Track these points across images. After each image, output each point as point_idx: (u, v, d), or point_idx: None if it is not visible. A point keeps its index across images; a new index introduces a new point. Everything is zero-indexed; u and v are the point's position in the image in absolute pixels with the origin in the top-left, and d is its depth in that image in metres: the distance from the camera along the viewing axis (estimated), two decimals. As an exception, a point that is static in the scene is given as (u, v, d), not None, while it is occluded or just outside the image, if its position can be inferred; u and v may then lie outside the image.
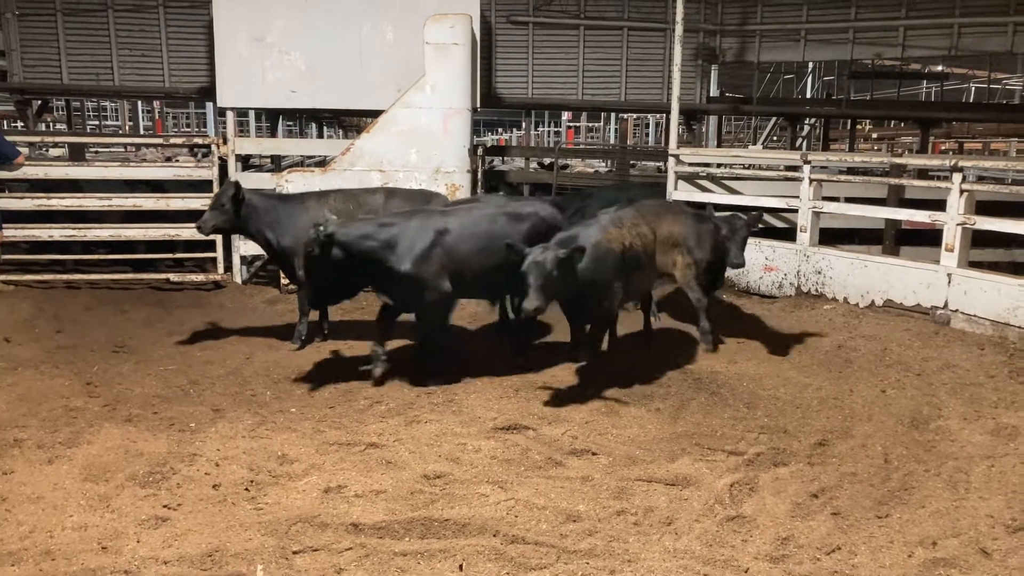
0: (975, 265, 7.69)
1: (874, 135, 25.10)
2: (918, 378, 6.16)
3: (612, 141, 24.62)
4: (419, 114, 9.04)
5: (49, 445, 4.82)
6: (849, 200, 9.17)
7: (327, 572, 3.56)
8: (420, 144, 9.08)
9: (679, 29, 9.44)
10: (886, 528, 4.00)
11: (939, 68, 19.14)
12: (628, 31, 12.61)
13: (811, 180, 8.46)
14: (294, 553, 3.69)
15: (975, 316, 7.20)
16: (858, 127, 20.98)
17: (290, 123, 21.59)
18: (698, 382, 6.13)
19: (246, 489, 4.32)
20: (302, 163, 14.18)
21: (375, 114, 9.35)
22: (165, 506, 4.12)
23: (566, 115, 25.89)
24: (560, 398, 5.74)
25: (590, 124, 27.10)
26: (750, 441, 5.05)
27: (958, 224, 7.36)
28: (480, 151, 10.51)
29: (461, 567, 3.61)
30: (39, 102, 12.38)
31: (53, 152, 15.67)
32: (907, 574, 3.62)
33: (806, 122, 17.65)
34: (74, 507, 4.10)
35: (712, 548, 3.81)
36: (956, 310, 7.35)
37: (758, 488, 4.42)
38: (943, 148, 20.75)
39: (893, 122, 22.61)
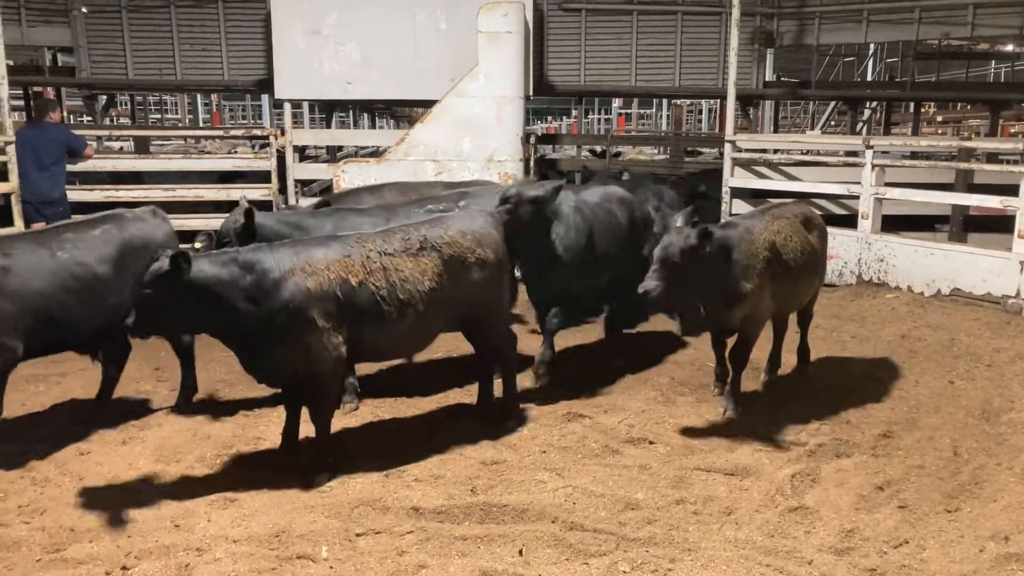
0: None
1: (939, 118, 24.19)
2: (988, 369, 5.96)
3: (664, 128, 24.27)
4: (472, 103, 9.06)
5: (122, 427, 5.02)
6: (912, 186, 8.88)
7: (389, 554, 3.63)
8: (473, 133, 9.11)
9: (736, 13, 9.25)
10: (956, 522, 3.90)
11: (1009, 48, 18.31)
12: (682, 15, 12.39)
13: (873, 166, 8.23)
14: (357, 535, 3.77)
15: (1049, 305, 6.93)
16: (922, 110, 20.25)
17: (342, 114, 21.83)
18: (756, 371, 6.01)
19: (309, 472, 4.42)
20: (356, 153, 14.35)
21: (429, 104, 9.40)
22: (233, 488, 4.25)
23: (617, 102, 25.60)
24: (615, 387, 5.72)
25: (641, 111, 26.75)
26: (811, 432, 4.95)
27: (1032, 209, 7.08)
28: (532, 139, 10.50)
29: (521, 552, 3.63)
30: (105, 97, 12.78)
31: (115, 145, 16.16)
32: (979, 569, 3.52)
33: (866, 106, 17.11)
34: (148, 487, 4.26)
35: (774, 539, 3.77)
36: (1028, 299, 7.08)
37: (820, 479, 4.34)
38: (1012, 131, 19.91)
39: (959, 105, 21.74)
